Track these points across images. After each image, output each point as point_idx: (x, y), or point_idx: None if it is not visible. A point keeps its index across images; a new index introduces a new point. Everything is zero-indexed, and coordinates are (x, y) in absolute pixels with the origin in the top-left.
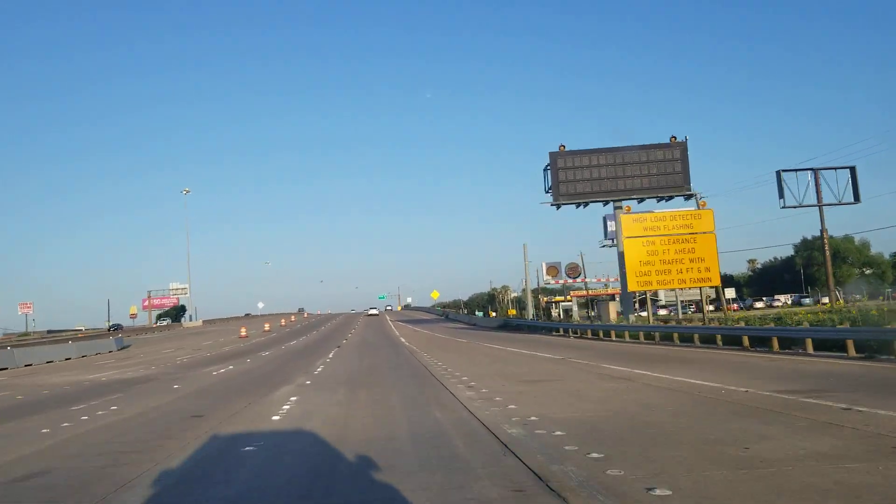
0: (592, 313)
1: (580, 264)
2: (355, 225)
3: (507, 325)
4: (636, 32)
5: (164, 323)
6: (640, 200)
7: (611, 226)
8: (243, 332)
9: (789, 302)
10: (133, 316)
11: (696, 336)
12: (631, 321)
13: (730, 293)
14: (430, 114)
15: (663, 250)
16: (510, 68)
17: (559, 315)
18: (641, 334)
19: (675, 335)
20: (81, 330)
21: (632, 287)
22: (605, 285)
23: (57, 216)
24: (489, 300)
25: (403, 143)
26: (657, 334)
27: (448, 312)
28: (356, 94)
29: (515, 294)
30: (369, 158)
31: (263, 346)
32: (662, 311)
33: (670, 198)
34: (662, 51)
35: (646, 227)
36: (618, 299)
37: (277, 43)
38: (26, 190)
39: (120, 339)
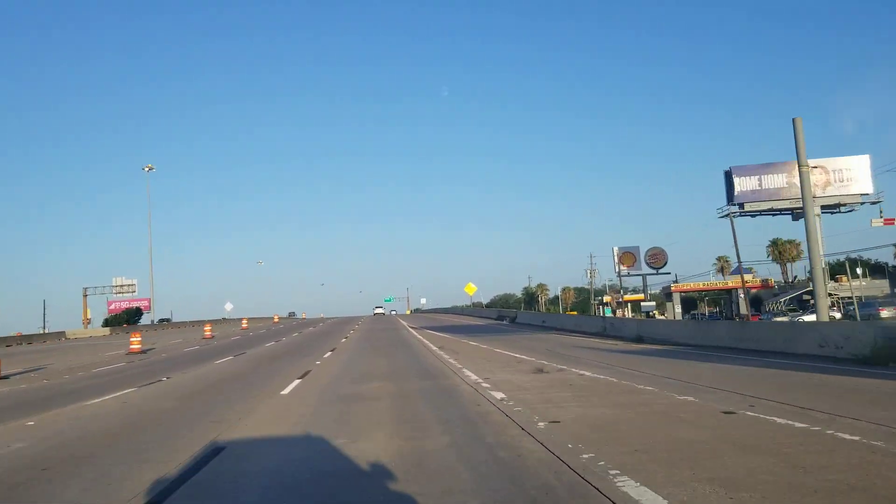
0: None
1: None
2: (359, 229)
3: None
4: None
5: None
6: None
7: (740, 184)
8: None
9: None
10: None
11: None
12: None
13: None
14: (438, 119)
15: None
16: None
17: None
18: None
19: None
20: None
21: None
22: (688, 277)
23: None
24: (527, 299)
25: (404, 149)
26: None
27: (508, 313)
28: (356, 100)
29: (552, 293)
30: (362, 165)
31: None
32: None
33: None
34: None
35: None
36: None
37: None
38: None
39: None
